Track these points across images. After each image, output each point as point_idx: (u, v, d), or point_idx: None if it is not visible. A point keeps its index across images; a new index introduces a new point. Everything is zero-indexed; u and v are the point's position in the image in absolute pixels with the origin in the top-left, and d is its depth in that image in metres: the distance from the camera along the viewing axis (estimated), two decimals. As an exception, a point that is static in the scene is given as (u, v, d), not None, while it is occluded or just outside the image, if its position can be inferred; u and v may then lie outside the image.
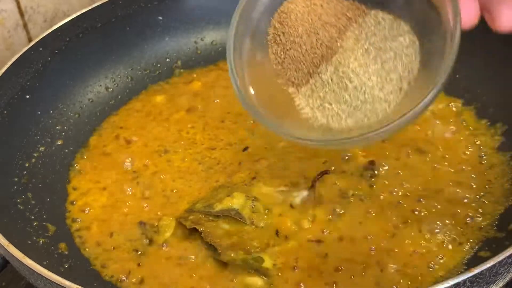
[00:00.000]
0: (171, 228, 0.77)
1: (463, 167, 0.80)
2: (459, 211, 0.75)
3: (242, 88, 0.67)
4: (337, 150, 0.83)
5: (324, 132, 0.66)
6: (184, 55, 1.03)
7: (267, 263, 0.72)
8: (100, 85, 0.97)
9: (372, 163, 0.81)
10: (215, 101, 0.95)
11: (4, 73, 0.85)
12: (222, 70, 1.01)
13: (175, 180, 0.83)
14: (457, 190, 0.77)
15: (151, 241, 0.76)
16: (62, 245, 0.75)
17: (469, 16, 0.61)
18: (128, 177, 0.84)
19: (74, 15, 0.95)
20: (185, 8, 1.02)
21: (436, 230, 0.73)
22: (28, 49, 0.89)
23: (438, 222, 0.73)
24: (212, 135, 0.89)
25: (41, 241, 0.75)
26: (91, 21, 0.96)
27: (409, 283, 0.68)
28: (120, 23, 0.98)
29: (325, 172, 0.80)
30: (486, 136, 0.84)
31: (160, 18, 1.02)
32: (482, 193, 0.77)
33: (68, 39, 0.94)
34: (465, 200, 0.76)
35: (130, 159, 0.87)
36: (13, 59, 0.87)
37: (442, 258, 0.70)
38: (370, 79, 0.64)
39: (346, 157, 0.82)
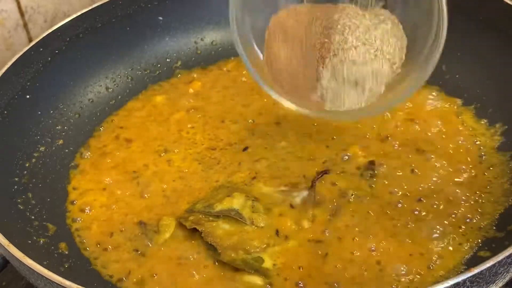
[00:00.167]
0: (171, 228, 0.77)
1: (463, 167, 0.80)
2: (459, 211, 0.75)
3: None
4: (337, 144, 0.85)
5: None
6: (184, 55, 1.03)
7: (267, 263, 0.72)
8: (100, 85, 0.97)
9: (372, 163, 0.81)
10: (215, 101, 0.95)
11: (4, 73, 0.85)
12: (222, 70, 1.01)
13: (175, 180, 0.83)
14: (457, 190, 0.77)
15: (151, 241, 0.76)
16: (62, 245, 0.76)
17: None
18: (128, 177, 0.84)
19: (74, 15, 0.95)
20: (185, 8, 1.02)
21: (436, 230, 0.73)
22: (28, 49, 0.89)
23: (438, 222, 0.73)
24: (212, 135, 0.89)
25: (41, 241, 0.75)
26: (91, 21, 0.96)
27: (409, 283, 0.68)
28: (120, 23, 0.98)
29: (325, 172, 0.80)
30: (485, 136, 0.84)
31: (160, 18, 1.02)
32: (481, 193, 0.77)
33: (68, 39, 0.94)
34: (465, 200, 0.76)
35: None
36: (14, 59, 0.87)
37: (442, 258, 0.70)
38: (366, 66, 0.67)
39: (346, 157, 0.83)
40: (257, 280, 0.70)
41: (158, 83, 1.00)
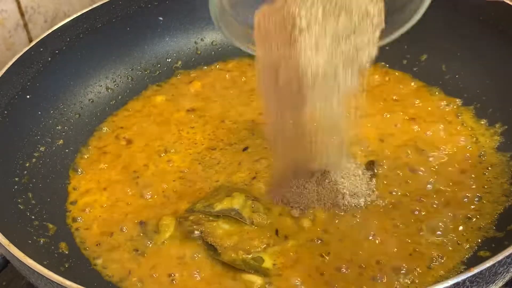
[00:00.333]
0: (171, 228, 0.77)
1: (463, 167, 0.80)
2: (458, 211, 0.75)
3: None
4: None
5: None
6: (184, 55, 1.03)
7: (267, 263, 0.72)
8: (101, 85, 0.97)
9: (372, 163, 0.81)
10: (215, 101, 0.95)
11: (4, 73, 0.85)
12: (222, 70, 1.01)
13: (175, 180, 0.83)
14: (457, 190, 0.77)
15: (151, 241, 0.76)
16: (63, 245, 0.76)
17: None
18: (128, 177, 0.85)
19: (74, 16, 0.95)
20: (185, 8, 1.02)
21: (436, 230, 0.73)
22: (28, 49, 0.89)
23: (437, 222, 0.73)
24: (212, 135, 0.89)
25: (41, 240, 0.75)
26: (91, 22, 0.96)
27: (409, 283, 0.68)
28: (120, 23, 0.98)
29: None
30: (485, 136, 0.84)
31: (161, 18, 1.02)
32: (481, 193, 0.77)
33: (68, 39, 0.94)
34: (465, 200, 0.76)
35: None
36: (14, 59, 0.87)
37: (441, 258, 0.70)
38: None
39: (346, 157, 0.83)
40: (257, 280, 0.70)
41: (158, 83, 1.00)
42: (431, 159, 0.81)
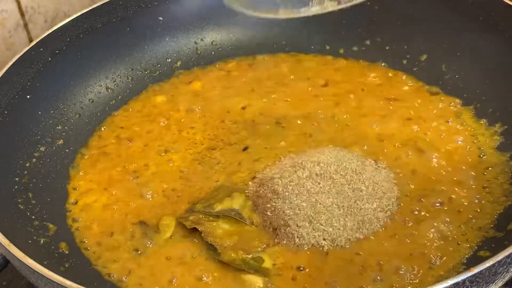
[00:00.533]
0: (171, 228, 0.77)
1: (463, 167, 0.80)
2: (458, 211, 0.75)
3: None
4: None
5: None
6: (184, 55, 1.03)
7: (267, 263, 0.72)
8: (101, 85, 0.97)
9: (371, 163, 0.81)
10: (215, 101, 0.95)
11: (5, 73, 0.85)
12: (222, 70, 1.01)
13: (175, 180, 0.83)
14: (457, 189, 0.77)
15: (151, 241, 0.76)
16: (63, 245, 0.76)
17: None
18: (128, 177, 0.85)
19: (74, 16, 0.95)
20: (185, 8, 1.02)
21: (436, 230, 0.73)
22: (28, 49, 0.89)
23: (438, 222, 0.73)
24: (212, 135, 0.89)
25: (41, 240, 0.75)
26: (91, 22, 0.96)
27: (409, 283, 0.68)
28: (120, 23, 0.98)
29: (325, 172, 0.80)
30: (485, 136, 0.84)
31: (161, 18, 1.02)
32: (481, 193, 0.77)
33: (68, 39, 0.94)
34: (465, 200, 0.76)
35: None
36: (14, 59, 0.87)
37: (442, 258, 0.70)
38: None
39: (346, 157, 0.83)
40: (257, 280, 0.70)
41: (158, 83, 1.00)
42: (431, 159, 0.81)
